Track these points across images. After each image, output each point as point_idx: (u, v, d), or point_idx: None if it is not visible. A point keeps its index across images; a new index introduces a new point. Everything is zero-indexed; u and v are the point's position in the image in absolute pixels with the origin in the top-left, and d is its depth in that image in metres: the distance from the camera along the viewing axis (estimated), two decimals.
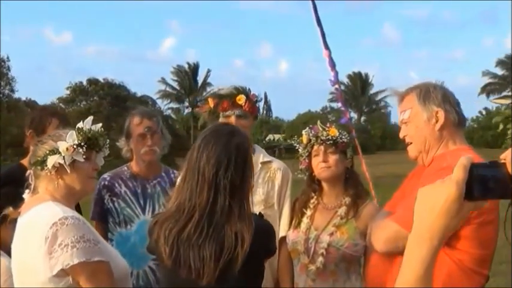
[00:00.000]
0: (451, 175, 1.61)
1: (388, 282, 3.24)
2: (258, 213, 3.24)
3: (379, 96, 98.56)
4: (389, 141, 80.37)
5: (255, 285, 3.03)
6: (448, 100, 3.33)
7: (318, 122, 4.18)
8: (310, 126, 4.16)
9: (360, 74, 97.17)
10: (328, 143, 4.01)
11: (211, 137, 2.89)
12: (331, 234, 3.90)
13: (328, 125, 4.14)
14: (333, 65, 8.50)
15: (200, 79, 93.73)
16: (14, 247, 3.15)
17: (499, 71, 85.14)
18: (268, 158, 4.35)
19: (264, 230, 2.93)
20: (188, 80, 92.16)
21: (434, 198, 1.63)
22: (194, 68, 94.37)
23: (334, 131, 4.05)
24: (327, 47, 8.26)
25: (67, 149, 3.12)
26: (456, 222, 1.61)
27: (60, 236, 2.88)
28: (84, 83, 57.85)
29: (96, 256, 2.93)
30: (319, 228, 3.98)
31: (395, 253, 3.14)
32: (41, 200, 3.13)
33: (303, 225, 4.02)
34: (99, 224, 4.66)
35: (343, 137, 4.06)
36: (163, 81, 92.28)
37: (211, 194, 2.81)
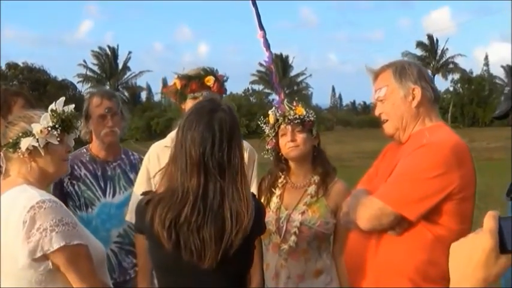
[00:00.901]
0: (483, 227, 1.57)
1: (367, 260, 3.26)
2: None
3: (300, 78, 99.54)
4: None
5: (250, 264, 3.02)
6: (423, 77, 3.36)
7: (285, 101, 4.15)
8: (277, 105, 4.14)
9: (280, 55, 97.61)
10: (296, 122, 4.00)
11: (193, 116, 2.83)
12: (303, 213, 3.92)
13: (294, 104, 4.12)
14: (267, 45, 8.47)
15: (120, 62, 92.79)
16: None
17: (419, 52, 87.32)
18: None
19: (257, 208, 2.89)
20: (109, 63, 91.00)
21: (470, 251, 1.59)
22: (114, 51, 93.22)
23: (301, 110, 4.05)
24: (261, 27, 8.22)
25: (41, 131, 3.04)
26: (495, 273, 1.57)
27: (38, 220, 2.84)
28: (3, 67, 56.44)
29: (75, 239, 2.90)
30: (289, 207, 3.99)
31: (377, 230, 3.16)
32: (14, 184, 3.06)
33: (273, 205, 4.02)
34: None
35: (310, 115, 4.05)
36: (83, 64, 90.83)
37: (201, 176, 2.75)
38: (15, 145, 3.04)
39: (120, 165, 4.69)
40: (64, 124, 3.12)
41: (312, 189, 3.99)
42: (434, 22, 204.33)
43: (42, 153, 3.06)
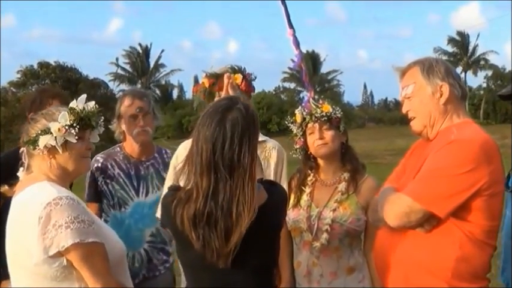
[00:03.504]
0: None
1: (396, 257, 3.26)
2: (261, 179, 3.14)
3: (331, 76, 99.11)
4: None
5: (272, 260, 3.03)
6: (450, 74, 3.34)
7: (311, 99, 4.15)
8: (302, 104, 4.14)
9: (312, 53, 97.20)
10: (323, 119, 4.00)
11: (208, 116, 2.84)
12: (334, 210, 3.92)
13: (320, 101, 4.12)
14: (297, 44, 8.44)
15: (152, 60, 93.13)
16: (9, 227, 3.12)
17: (450, 49, 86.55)
18: (262, 137, 4.30)
19: (275, 202, 2.92)
20: (140, 62, 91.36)
21: None
22: (146, 49, 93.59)
23: (327, 107, 4.05)
24: (291, 26, 8.19)
25: (59, 129, 3.07)
26: None
27: (54, 216, 2.87)
28: (35, 66, 56.74)
29: (90, 237, 2.92)
30: (320, 204, 3.99)
31: (406, 228, 3.16)
32: (35, 180, 3.10)
33: (303, 203, 4.02)
34: (94, 205, 4.59)
35: (336, 112, 4.06)
36: (115, 63, 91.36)
37: (211, 176, 2.76)
38: (35, 142, 3.08)
39: (154, 165, 4.73)
40: (83, 122, 3.14)
41: (342, 186, 3.99)
42: (462, 18, 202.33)
43: (60, 151, 3.09)
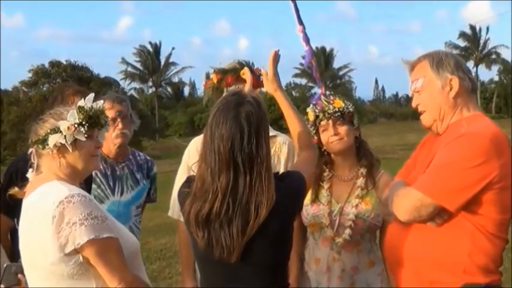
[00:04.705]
0: None
1: (407, 251, 3.26)
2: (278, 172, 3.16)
3: (343, 71, 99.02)
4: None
5: (283, 255, 3.03)
6: (460, 67, 3.32)
7: (322, 96, 4.14)
8: (314, 102, 4.13)
9: (323, 49, 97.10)
10: (336, 115, 3.98)
11: (221, 113, 2.85)
12: (357, 205, 3.92)
13: (331, 97, 4.11)
14: (307, 40, 8.38)
15: (162, 58, 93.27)
16: (21, 229, 3.11)
17: (461, 43, 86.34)
18: (273, 132, 4.29)
19: (286, 193, 2.92)
20: (151, 60, 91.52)
21: None
22: (156, 47, 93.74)
23: (339, 103, 4.02)
24: (301, 22, 8.12)
25: (68, 128, 3.06)
26: None
27: (67, 215, 2.86)
28: (46, 65, 56.99)
29: (105, 233, 2.92)
30: (340, 200, 3.99)
31: (416, 222, 3.15)
32: (45, 180, 3.09)
33: (323, 198, 4.00)
34: None
35: (348, 106, 4.04)
36: (124, 61, 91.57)
37: (230, 173, 2.78)
38: (44, 142, 3.08)
39: (128, 166, 4.88)
40: (92, 120, 3.13)
41: (360, 181, 3.98)
42: (472, 12, 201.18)
43: (70, 150, 3.08)
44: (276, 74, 3.44)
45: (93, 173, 4.62)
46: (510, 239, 3.31)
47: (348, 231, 3.87)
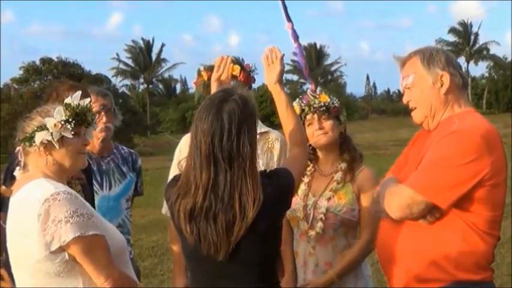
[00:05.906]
0: None
1: (398, 249, 3.25)
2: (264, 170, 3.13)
3: (334, 67, 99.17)
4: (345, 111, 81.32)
5: (273, 251, 3.03)
6: (451, 63, 3.31)
7: (308, 91, 4.17)
8: (300, 96, 4.14)
9: (315, 45, 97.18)
10: (321, 109, 4.01)
11: (205, 108, 2.86)
12: (329, 199, 3.96)
13: (317, 92, 4.14)
14: (296, 37, 8.40)
15: (154, 55, 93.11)
16: (8, 227, 3.11)
17: (452, 38, 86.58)
18: (265, 128, 4.32)
19: (279, 190, 2.92)
20: (142, 56, 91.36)
21: None
22: (148, 44, 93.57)
23: (325, 97, 4.08)
24: (289, 19, 8.13)
25: (55, 125, 3.05)
26: None
27: (53, 212, 2.87)
28: (37, 62, 56.75)
29: (90, 230, 2.92)
30: (316, 194, 4.03)
31: (408, 219, 3.15)
32: (32, 177, 3.09)
33: (301, 192, 4.05)
34: None
35: (334, 101, 4.08)
36: (117, 58, 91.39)
37: (210, 169, 2.78)
38: (31, 139, 3.07)
39: (113, 160, 4.90)
40: (78, 118, 3.13)
41: (338, 175, 4.02)
42: (462, 8, 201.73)
43: (57, 147, 3.07)
44: (283, 66, 3.42)
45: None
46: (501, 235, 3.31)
47: (319, 224, 3.92)
